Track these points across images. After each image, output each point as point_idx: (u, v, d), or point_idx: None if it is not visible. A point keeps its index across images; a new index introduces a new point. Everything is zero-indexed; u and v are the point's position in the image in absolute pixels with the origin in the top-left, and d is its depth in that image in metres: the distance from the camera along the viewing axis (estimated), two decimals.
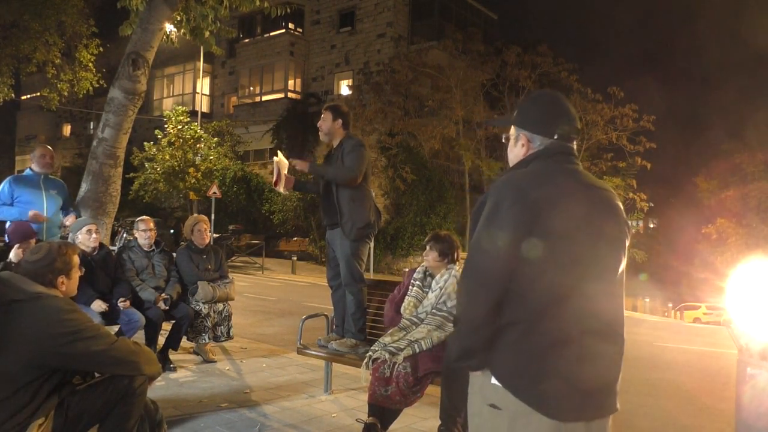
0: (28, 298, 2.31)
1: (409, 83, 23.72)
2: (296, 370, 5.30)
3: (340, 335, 4.33)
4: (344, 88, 27.63)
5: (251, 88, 30.51)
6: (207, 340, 5.37)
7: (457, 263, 3.77)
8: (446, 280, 3.69)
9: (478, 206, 1.67)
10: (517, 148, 1.80)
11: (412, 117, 23.62)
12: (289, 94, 28.74)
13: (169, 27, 13.14)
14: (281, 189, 4.33)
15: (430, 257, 3.73)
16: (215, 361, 5.42)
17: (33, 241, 4.68)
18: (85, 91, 16.55)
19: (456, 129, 23.23)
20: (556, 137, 1.73)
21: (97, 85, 16.60)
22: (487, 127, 22.94)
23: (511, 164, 1.83)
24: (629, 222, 1.80)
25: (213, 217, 18.95)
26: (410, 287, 3.82)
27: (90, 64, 16.37)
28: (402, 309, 3.77)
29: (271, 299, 11.93)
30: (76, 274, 2.58)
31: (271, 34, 29.28)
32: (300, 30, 29.54)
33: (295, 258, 20.20)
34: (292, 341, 7.12)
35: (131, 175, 23.01)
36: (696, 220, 31.52)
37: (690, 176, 27.97)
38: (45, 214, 5.15)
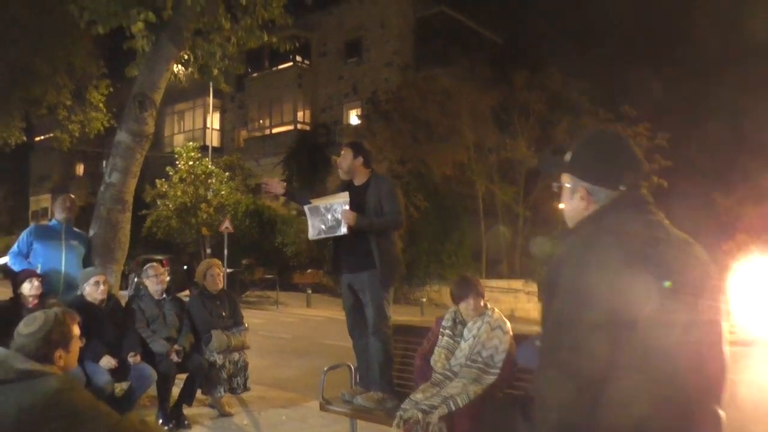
0: (18, 377, 2.05)
1: (418, 110, 23.61)
2: (318, 422, 4.98)
3: (365, 388, 4.03)
4: (353, 118, 27.62)
5: (261, 121, 30.61)
6: (222, 393, 5.09)
7: (493, 310, 3.48)
8: (479, 327, 3.40)
9: (548, 281, 1.38)
10: (575, 201, 1.52)
11: (422, 144, 23.45)
12: (299, 126, 28.77)
13: (176, 66, 13.11)
14: (275, 190, 4.18)
15: (471, 306, 3.45)
16: (232, 415, 5.13)
17: (37, 279, 4.46)
18: (96, 132, 16.55)
19: (467, 154, 23.01)
20: (622, 188, 1.45)
21: (107, 125, 16.56)
22: (499, 152, 22.72)
23: (570, 220, 1.54)
24: None
25: (226, 252, 18.75)
26: (440, 337, 3.53)
27: (101, 105, 16.38)
28: (432, 361, 3.47)
29: (287, 337, 11.62)
30: (77, 345, 2.32)
31: (279, 67, 29.45)
32: (307, 62, 29.69)
33: (309, 291, 19.90)
34: (312, 385, 6.80)
35: (143, 212, 22.96)
36: (716, 235, 30.90)
37: (708, 192, 27.39)
38: (63, 268, 4.96)
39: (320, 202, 4.03)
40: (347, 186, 4.13)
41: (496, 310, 3.51)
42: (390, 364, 3.95)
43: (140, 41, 5.10)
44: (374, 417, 3.78)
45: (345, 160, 4.06)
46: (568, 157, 1.54)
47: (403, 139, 23.20)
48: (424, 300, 19.50)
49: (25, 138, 16.33)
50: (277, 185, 4.17)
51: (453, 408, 3.11)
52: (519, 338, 3.45)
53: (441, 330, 3.55)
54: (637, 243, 1.31)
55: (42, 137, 34.30)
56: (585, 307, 1.25)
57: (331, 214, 3.96)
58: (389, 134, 23.29)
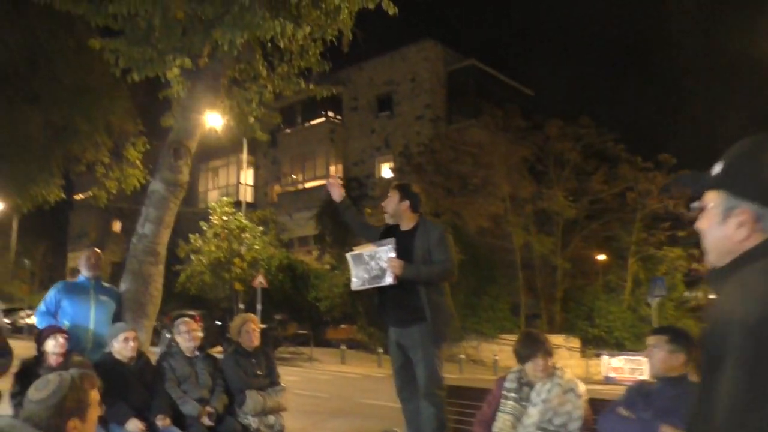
0: None
1: (451, 162, 23.47)
2: None
3: None
4: (386, 171, 27.61)
5: (294, 176, 30.86)
6: None
7: (564, 371, 3.07)
8: (549, 391, 2.97)
9: (710, 344, 1.01)
10: (728, 227, 1.13)
11: (455, 196, 23.20)
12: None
13: (214, 119, 13.19)
14: (335, 190, 3.97)
15: (539, 366, 3.04)
16: None
17: (62, 335, 4.19)
18: (132, 188, 16.74)
19: (503, 206, 22.63)
20: None
21: (144, 182, 16.73)
22: (535, 202, 22.29)
23: (718, 253, 1.16)
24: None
25: (259, 307, 18.48)
26: (503, 401, 3.10)
27: (137, 162, 16.63)
28: (497, 429, 3.05)
29: (323, 396, 11.13)
30: (95, 414, 1.99)
31: (312, 122, 29.87)
32: (339, 117, 30.06)
33: (344, 347, 19.38)
34: None
35: (177, 267, 22.96)
36: None
37: None
38: (91, 325, 4.70)
39: (364, 249, 3.71)
40: (393, 231, 3.81)
41: (567, 370, 3.09)
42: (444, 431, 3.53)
43: (176, 87, 4.98)
44: None
45: (391, 203, 3.76)
46: (717, 169, 1.17)
47: (437, 192, 22.98)
48: (462, 356, 18.78)
49: (64, 195, 16.58)
50: (338, 189, 3.94)
51: None
52: (594, 403, 3.03)
53: (504, 393, 3.13)
54: None
55: (81, 195, 35.21)
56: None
57: (375, 262, 3.63)
58: (422, 187, 23.02)
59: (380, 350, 18.63)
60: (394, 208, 3.75)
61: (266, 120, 6.51)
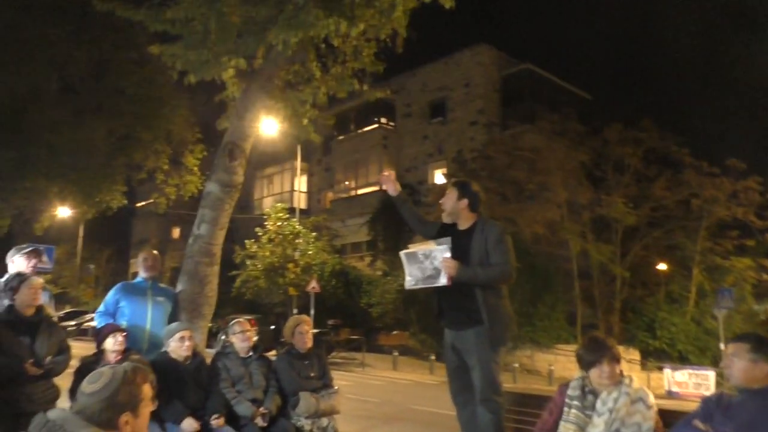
0: None
1: (506, 168, 23.08)
2: None
3: None
4: (439, 177, 27.41)
5: (346, 183, 31.05)
6: None
7: (632, 379, 2.87)
8: (616, 400, 2.78)
9: None
10: None
11: (510, 202, 22.78)
12: (384, 187, 28.84)
13: (269, 126, 13.30)
14: (389, 186, 3.93)
15: (605, 373, 2.86)
16: None
17: (121, 334, 4.24)
18: (190, 194, 17.18)
19: (559, 212, 22.08)
20: None
21: (201, 188, 17.17)
22: (593, 209, 21.66)
23: None
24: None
25: (312, 312, 18.60)
26: (566, 410, 2.93)
27: (195, 168, 17.09)
28: None
29: (375, 401, 11.05)
30: (148, 409, 1.95)
31: (365, 129, 30.00)
32: (392, 123, 30.09)
33: (396, 353, 19.27)
34: None
35: (233, 273, 23.42)
36: None
37: None
38: (148, 325, 4.76)
39: (418, 248, 3.59)
40: (449, 230, 3.69)
41: (635, 378, 2.89)
42: None
43: (231, 89, 5.02)
44: None
45: (449, 201, 3.63)
46: None
47: (491, 198, 22.61)
48: (516, 365, 18.38)
49: (126, 201, 17.16)
50: (393, 183, 3.87)
51: None
52: (665, 415, 2.83)
53: (567, 401, 2.95)
54: None
55: (142, 203, 36.47)
56: None
57: (430, 262, 3.51)
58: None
59: (432, 357, 18.44)
60: (452, 205, 3.62)
61: (320, 122, 6.50)
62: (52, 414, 1.80)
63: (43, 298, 4.27)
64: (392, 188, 3.83)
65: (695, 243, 21.83)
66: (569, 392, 2.97)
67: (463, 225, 3.63)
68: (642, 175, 22.34)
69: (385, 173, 3.85)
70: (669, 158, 22.01)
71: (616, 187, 22.21)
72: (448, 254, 3.42)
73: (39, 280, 4.04)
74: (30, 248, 4.60)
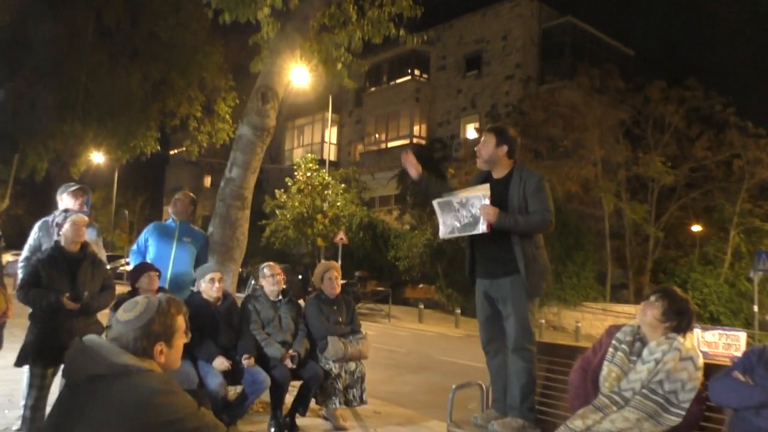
0: (112, 373, 1.70)
1: (541, 124, 22.57)
2: None
3: (501, 413, 3.45)
4: (471, 132, 27.00)
5: (377, 136, 30.80)
6: (338, 405, 4.69)
7: (686, 337, 2.78)
8: (664, 352, 2.71)
9: None
10: None
11: (544, 159, 22.36)
12: (415, 140, 28.57)
13: (301, 76, 13.08)
14: (410, 167, 3.66)
15: (649, 313, 2.80)
16: (346, 429, 4.73)
17: (154, 272, 4.30)
18: (222, 142, 17.24)
19: (594, 170, 21.61)
20: None
21: (233, 136, 17.19)
22: (629, 168, 21.15)
23: None
24: None
25: (340, 263, 18.74)
26: (612, 351, 2.87)
27: (227, 116, 17.08)
28: (600, 379, 2.83)
29: (401, 351, 11.19)
30: (181, 341, 1.94)
31: (397, 81, 29.54)
32: (426, 76, 29.54)
33: (422, 306, 19.43)
34: (430, 404, 6.30)
35: (263, 222, 23.67)
36: None
37: None
38: (171, 265, 4.82)
39: (454, 197, 3.49)
40: (486, 178, 3.58)
41: (689, 337, 2.81)
42: (533, 388, 3.35)
43: (265, 29, 4.90)
44: None
45: (486, 148, 3.50)
46: None
47: (524, 154, 22.23)
48: (543, 321, 18.36)
49: (159, 148, 17.32)
50: (414, 165, 3.65)
51: None
52: (708, 369, 2.75)
53: (615, 344, 2.88)
54: None
55: (175, 151, 36.80)
56: None
57: (467, 210, 3.41)
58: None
59: (458, 311, 18.53)
60: (490, 153, 3.50)
61: (354, 68, 6.36)
62: (88, 340, 1.80)
63: (90, 236, 4.33)
64: (414, 171, 3.65)
65: (734, 205, 21.25)
66: (619, 335, 2.91)
67: (500, 173, 3.51)
68: (683, 134, 21.65)
69: (405, 155, 3.67)
70: (712, 118, 21.24)
71: (655, 146, 21.61)
72: (487, 201, 3.33)
73: (83, 217, 4.08)
74: (76, 187, 4.66)
